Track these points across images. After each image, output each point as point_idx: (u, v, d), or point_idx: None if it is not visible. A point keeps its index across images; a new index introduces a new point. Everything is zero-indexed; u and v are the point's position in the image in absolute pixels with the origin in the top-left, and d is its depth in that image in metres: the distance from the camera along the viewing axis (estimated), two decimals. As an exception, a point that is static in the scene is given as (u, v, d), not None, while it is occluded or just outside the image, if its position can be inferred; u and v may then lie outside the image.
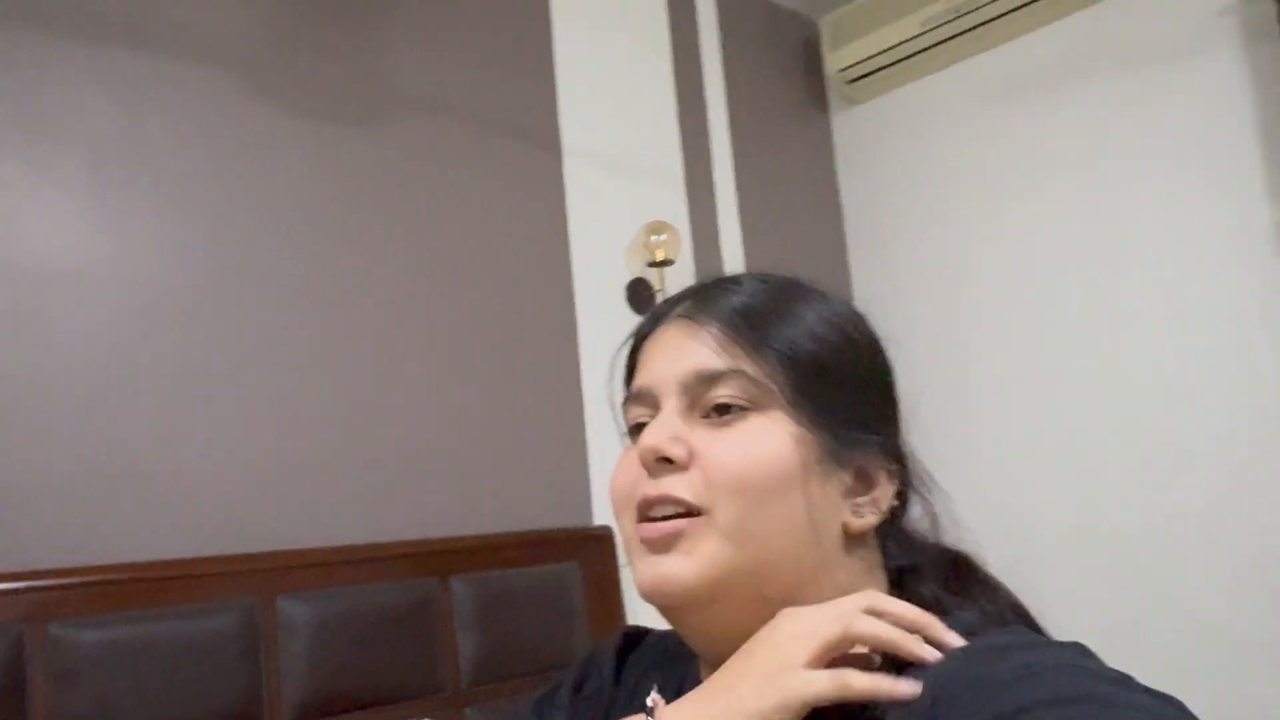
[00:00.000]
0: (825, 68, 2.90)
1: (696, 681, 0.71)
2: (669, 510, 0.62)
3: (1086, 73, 2.48)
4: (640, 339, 0.73)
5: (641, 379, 0.69)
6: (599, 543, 2.11)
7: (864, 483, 0.66)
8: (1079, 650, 0.52)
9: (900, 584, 0.67)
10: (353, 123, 1.97)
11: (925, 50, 2.73)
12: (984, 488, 2.47)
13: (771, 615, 0.61)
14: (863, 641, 0.55)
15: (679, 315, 0.69)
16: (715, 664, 0.66)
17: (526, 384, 2.13)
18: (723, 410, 0.63)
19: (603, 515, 2.17)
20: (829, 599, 0.62)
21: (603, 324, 2.28)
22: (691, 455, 0.63)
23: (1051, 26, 2.54)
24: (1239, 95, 2.25)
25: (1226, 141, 2.26)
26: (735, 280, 0.71)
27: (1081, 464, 2.41)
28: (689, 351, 0.66)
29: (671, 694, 0.72)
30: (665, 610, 0.65)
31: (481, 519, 1.99)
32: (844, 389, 0.65)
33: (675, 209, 2.50)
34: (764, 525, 0.61)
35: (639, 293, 2.35)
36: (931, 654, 0.54)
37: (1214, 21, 2.29)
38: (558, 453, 2.15)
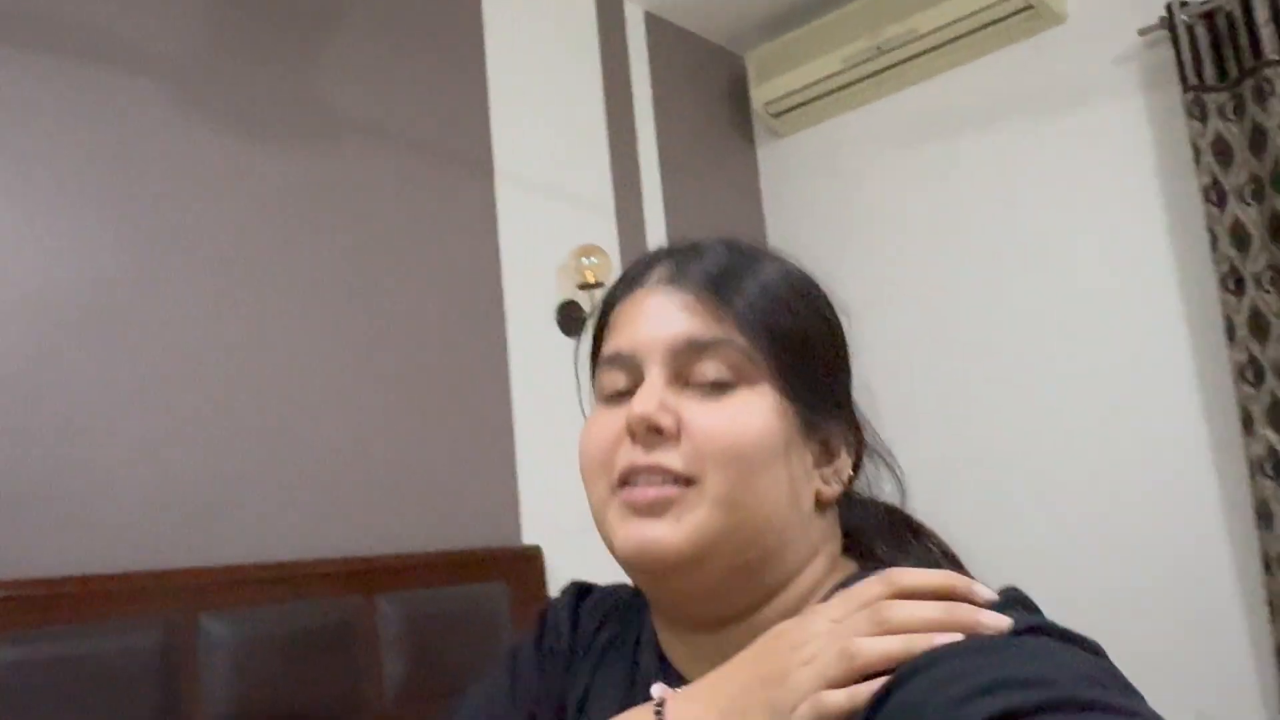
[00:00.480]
0: (751, 101, 2.98)
1: (652, 633, 0.72)
2: (657, 479, 0.63)
3: (998, 113, 2.59)
4: (613, 303, 0.72)
5: (621, 343, 0.68)
6: (528, 562, 2.11)
7: (828, 453, 0.68)
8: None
9: (852, 541, 0.71)
10: (287, 141, 1.96)
11: (847, 86, 2.82)
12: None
13: (749, 579, 0.64)
14: (872, 668, 0.50)
15: (661, 281, 0.68)
16: (679, 621, 0.69)
17: (457, 403, 2.13)
18: (714, 383, 0.64)
19: (532, 535, 2.17)
20: (800, 561, 0.66)
21: (533, 345, 2.30)
22: (679, 425, 0.63)
23: (966, 67, 2.66)
24: (1138, 137, 2.38)
25: (1127, 181, 2.38)
26: (709, 247, 0.70)
27: (992, 491, 2.49)
28: (676, 319, 0.66)
29: (630, 645, 0.73)
30: (647, 573, 0.66)
31: (409, 538, 1.98)
32: (818, 363, 0.68)
33: (605, 234, 2.53)
34: (751, 495, 0.62)
35: (569, 315, 2.38)
36: (977, 619, 0.51)
37: (1115, 68, 2.42)
38: (487, 472, 2.15)
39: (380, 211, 2.09)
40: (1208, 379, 2.25)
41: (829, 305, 0.71)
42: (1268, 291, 2.13)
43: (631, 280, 0.71)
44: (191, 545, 1.70)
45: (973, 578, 0.65)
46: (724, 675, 0.57)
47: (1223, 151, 2.19)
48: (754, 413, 0.64)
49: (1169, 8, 2.26)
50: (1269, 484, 2.08)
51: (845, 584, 0.65)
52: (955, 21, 2.56)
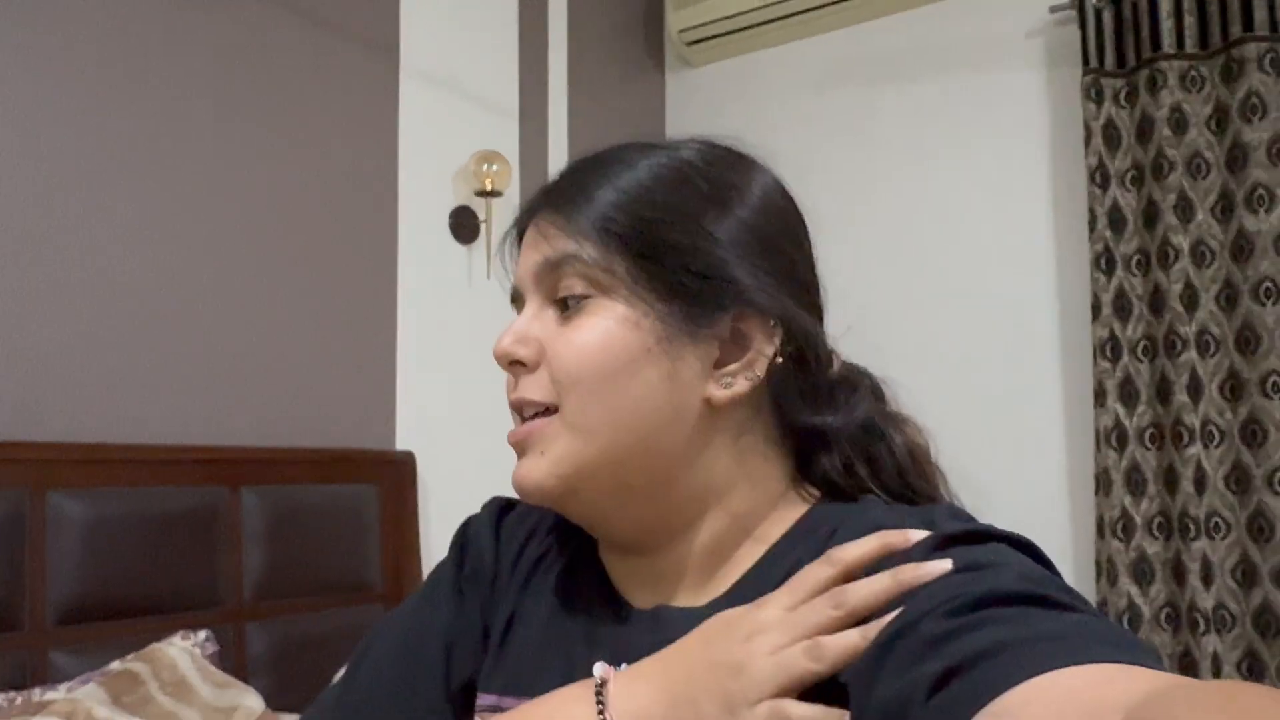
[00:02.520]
0: (666, 26, 2.94)
1: (593, 553, 0.70)
2: (530, 412, 0.62)
3: (912, 69, 2.63)
4: (518, 240, 0.69)
5: (513, 278, 0.68)
6: (399, 468, 2.08)
7: (740, 348, 0.63)
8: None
9: (807, 458, 0.66)
10: (185, 5, 1.82)
11: (766, 24, 2.81)
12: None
13: (646, 500, 0.62)
14: (839, 664, 0.50)
15: (532, 211, 0.67)
16: (608, 539, 0.68)
17: (340, 299, 2.05)
18: (564, 303, 0.62)
19: (406, 440, 2.13)
20: (711, 474, 0.63)
21: (424, 248, 2.23)
22: (541, 352, 0.62)
23: (886, 19, 2.68)
24: (1038, 110, 2.46)
25: (1022, 151, 2.47)
26: (576, 164, 0.68)
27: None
28: (538, 243, 0.64)
29: (563, 564, 0.70)
30: (538, 505, 0.65)
31: (280, 432, 1.91)
32: (696, 255, 0.61)
33: (507, 141, 2.46)
34: (607, 416, 0.60)
35: (463, 221, 2.31)
36: (919, 574, 0.51)
37: (1025, 40, 2.49)
38: (365, 372, 2.09)
39: (277, 89, 1.97)
40: (1070, 351, 2.37)
41: (730, 186, 0.65)
42: (1134, 274, 2.25)
43: (519, 217, 0.69)
44: (46, 418, 1.60)
45: (938, 470, 0.66)
46: (671, 658, 0.55)
47: (1112, 136, 2.29)
48: (594, 328, 0.61)
49: (1080, -12, 2.33)
50: (1112, 454, 2.22)
51: (806, 523, 0.63)
52: (879, -28, 2.57)
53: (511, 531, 0.74)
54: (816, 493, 0.66)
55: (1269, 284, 2.08)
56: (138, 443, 1.69)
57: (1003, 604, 0.46)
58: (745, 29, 2.85)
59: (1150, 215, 2.22)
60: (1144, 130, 2.24)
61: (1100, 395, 2.24)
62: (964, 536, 0.53)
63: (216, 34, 1.87)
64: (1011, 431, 2.41)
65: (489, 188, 2.28)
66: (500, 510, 0.75)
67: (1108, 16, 2.31)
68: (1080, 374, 2.33)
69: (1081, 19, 2.32)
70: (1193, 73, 2.21)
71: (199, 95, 1.84)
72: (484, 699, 0.67)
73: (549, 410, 0.62)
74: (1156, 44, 2.22)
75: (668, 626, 0.60)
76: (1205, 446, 2.14)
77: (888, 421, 0.67)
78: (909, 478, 0.66)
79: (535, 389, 0.62)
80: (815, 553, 0.57)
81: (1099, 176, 2.28)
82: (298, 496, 1.88)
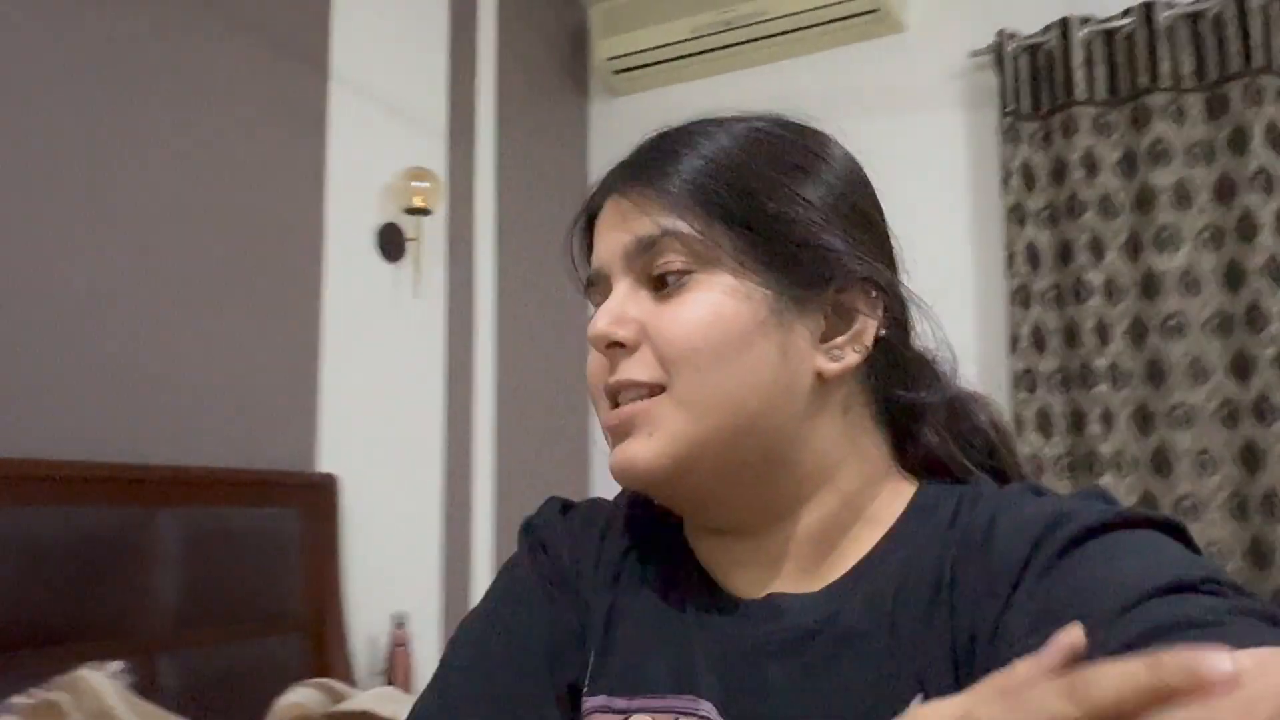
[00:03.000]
0: (592, 55, 2.94)
1: (683, 543, 0.67)
2: (633, 394, 0.60)
3: (834, 108, 2.66)
4: (590, 220, 0.68)
5: (594, 261, 0.65)
6: (321, 490, 1.99)
7: (845, 319, 0.62)
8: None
9: (905, 431, 0.65)
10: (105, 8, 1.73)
11: (691, 56, 2.83)
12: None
13: (757, 478, 0.60)
14: None
15: (610, 190, 0.65)
16: (708, 527, 0.64)
17: (263, 314, 1.96)
18: (663, 280, 0.60)
19: (329, 463, 2.04)
20: (823, 451, 0.61)
21: (350, 265, 2.16)
22: (642, 333, 0.60)
23: (809, 58, 2.74)
24: (957, 152, 2.54)
25: (942, 192, 2.54)
26: (656, 137, 0.67)
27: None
28: (628, 221, 0.62)
29: (651, 559, 0.67)
30: (643, 490, 0.63)
31: (197, 451, 1.81)
32: (792, 223, 0.60)
33: (434, 161, 2.41)
34: (720, 392, 0.58)
35: (391, 238, 2.25)
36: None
37: (945, 82, 2.57)
38: (288, 392, 2.00)
39: (201, 94, 1.89)
40: (989, 383, 2.42)
41: (815, 155, 0.64)
42: (1050, 309, 2.33)
43: (592, 199, 0.68)
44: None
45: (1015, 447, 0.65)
46: None
47: (1028, 177, 2.38)
48: (703, 303, 0.59)
49: (999, 36, 2.42)
50: (1029, 483, 2.28)
51: (920, 503, 0.61)
52: (805, 11, 2.62)
53: (583, 529, 0.70)
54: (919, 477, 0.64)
55: (1175, 320, 2.18)
56: (46, 458, 1.57)
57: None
58: (671, 60, 2.87)
59: (1065, 253, 2.31)
60: (1058, 172, 2.34)
61: (1019, 426, 2.30)
62: (1120, 522, 0.50)
63: (138, 39, 1.78)
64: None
65: (419, 205, 2.22)
66: (563, 510, 0.72)
67: (1024, 63, 2.41)
68: (998, 405, 2.39)
69: (1000, 65, 2.42)
70: (1103, 119, 2.32)
71: (119, 102, 1.75)
72: (591, 700, 0.63)
73: (653, 391, 0.59)
74: (1070, 91, 2.32)
75: (785, 615, 0.58)
76: (1117, 476, 2.22)
77: (970, 399, 0.66)
78: (998, 455, 0.65)
79: (640, 369, 0.60)
80: (937, 539, 0.56)
81: (1016, 215, 2.37)
82: (216, 519, 1.78)
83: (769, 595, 0.61)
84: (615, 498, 0.73)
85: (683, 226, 0.60)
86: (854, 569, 0.60)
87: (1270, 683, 0.34)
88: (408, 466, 2.25)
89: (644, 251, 0.61)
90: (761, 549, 0.62)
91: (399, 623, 2.02)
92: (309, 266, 2.07)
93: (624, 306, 0.61)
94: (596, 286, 0.65)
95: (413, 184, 2.22)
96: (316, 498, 1.97)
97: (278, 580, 1.86)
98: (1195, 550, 0.50)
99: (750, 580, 0.62)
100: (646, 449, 0.59)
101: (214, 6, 1.91)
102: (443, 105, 2.48)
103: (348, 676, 1.90)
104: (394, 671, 2.01)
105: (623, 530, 0.69)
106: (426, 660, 2.19)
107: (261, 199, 1.98)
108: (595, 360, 0.63)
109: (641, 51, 2.85)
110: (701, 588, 0.64)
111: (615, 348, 0.61)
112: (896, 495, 0.63)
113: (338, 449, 2.06)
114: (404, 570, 2.20)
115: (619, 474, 0.61)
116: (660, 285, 0.60)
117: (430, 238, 2.32)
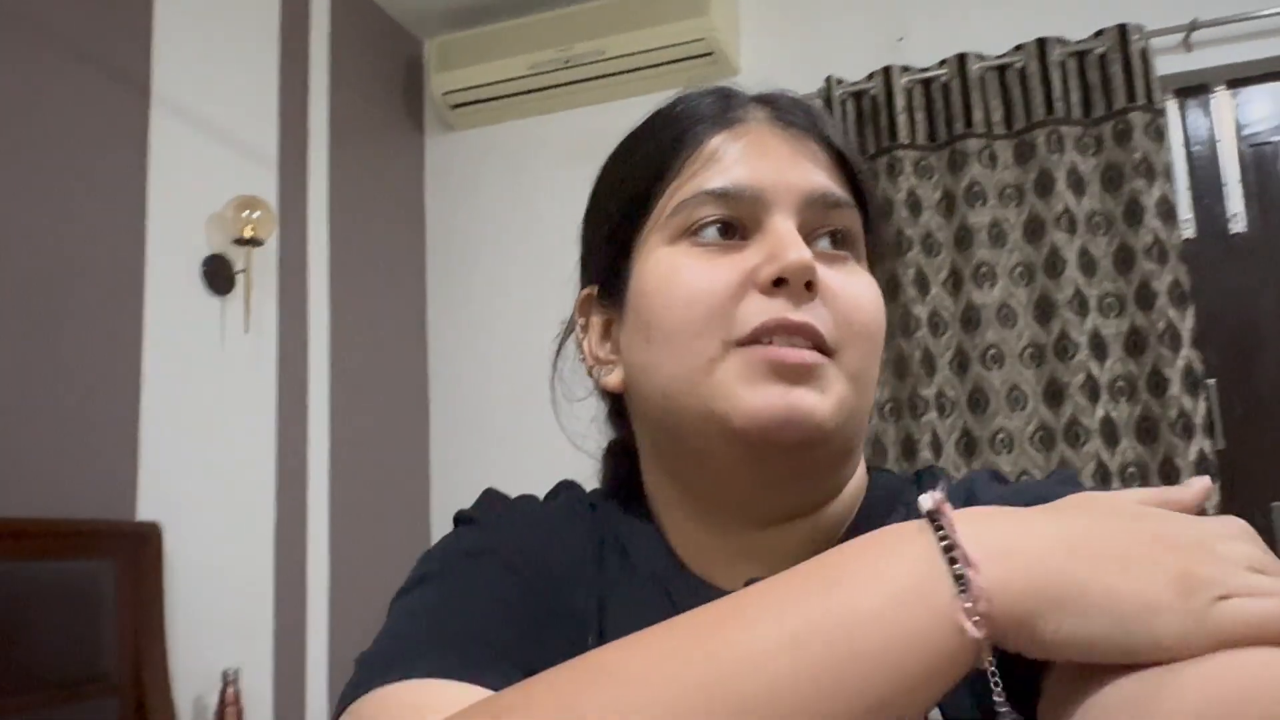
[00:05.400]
0: (429, 88, 2.90)
1: (655, 536, 0.62)
2: (801, 342, 0.54)
3: (671, 145, 2.74)
4: (696, 136, 0.61)
5: (739, 177, 0.58)
6: (142, 540, 1.83)
7: None
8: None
9: None
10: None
11: (529, 93, 2.83)
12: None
13: (844, 464, 0.59)
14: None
15: (772, 121, 0.61)
16: (735, 515, 0.59)
17: (76, 348, 1.81)
18: (839, 242, 0.59)
19: (151, 510, 1.89)
20: (860, 447, 0.62)
21: (172, 299, 2.02)
22: (819, 287, 0.56)
23: (646, 98, 2.74)
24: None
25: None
26: (792, 97, 0.65)
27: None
28: (806, 166, 0.59)
29: (614, 553, 0.62)
30: (779, 445, 0.54)
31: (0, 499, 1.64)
32: (880, 233, 0.65)
33: (265, 190, 2.30)
34: (870, 375, 0.58)
35: (218, 270, 2.13)
36: None
37: (776, 124, 2.67)
38: (104, 433, 1.85)
39: (10, 111, 1.74)
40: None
41: None
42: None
43: (720, 114, 0.62)
44: None
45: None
46: (1059, 512, 0.43)
47: (857, 215, 2.49)
48: (872, 285, 0.60)
49: (828, 81, 2.54)
50: (866, 509, 2.37)
51: (879, 489, 0.63)
52: (642, 52, 2.67)
53: (543, 520, 0.64)
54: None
55: (994, 350, 2.32)
56: None
57: None
58: (508, 96, 2.86)
59: (892, 288, 2.42)
60: (884, 211, 2.46)
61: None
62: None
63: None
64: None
65: (248, 235, 2.11)
66: (504, 503, 0.66)
67: (850, 107, 2.53)
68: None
69: (828, 108, 2.53)
70: (924, 162, 2.45)
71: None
72: None
73: (824, 349, 0.55)
74: (894, 135, 2.45)
75: None
76: (946, 499, 2.33)
77: None
78: None
79: (824, 322, 0.55)
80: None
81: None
82: (16, 575, 1.61)
83: (749, 581, 0.59)
84: (548, 495, 0.68)
85: (851, 208, 0.61)
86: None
87: None
88: (237, 512, 2.11)
89: (829, 208, 0.59)
90: (780, 540, 0.59)
91: (229, 679, 1.88)
92: (127, 299, 1.93)
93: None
94: (724, 204, 0.58)
95: (242, 213, 2.11)
96: (136, 547, 1.82)
97: (90, 639, 1.70)
98: None
99: (737, 574, 0.59)
100: (824, 403, 0.54)
101: (20, 18, 1.77)
102: (273, 132, 2.37)
103: (172, 741, 1.76)
104: (223, 732, 1.86)
105: (589, 523, 0.64)
106: (258, 717, 2.05)
107: (75, 227, 1.84)
108: (719, 281, 0.56)
109: (479, 86, 2.83)
110: (688, 582, 0.60)
111: (808, 288, 0.55)
112: (862, 479, 0.63)
113: (160, 495, 1.91)
114: (234, 622, 2.05)
115: (784, 419, 0.53)
116: (829, 250, 0.59)
117: (261, 270, 2.20)
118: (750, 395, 0.54)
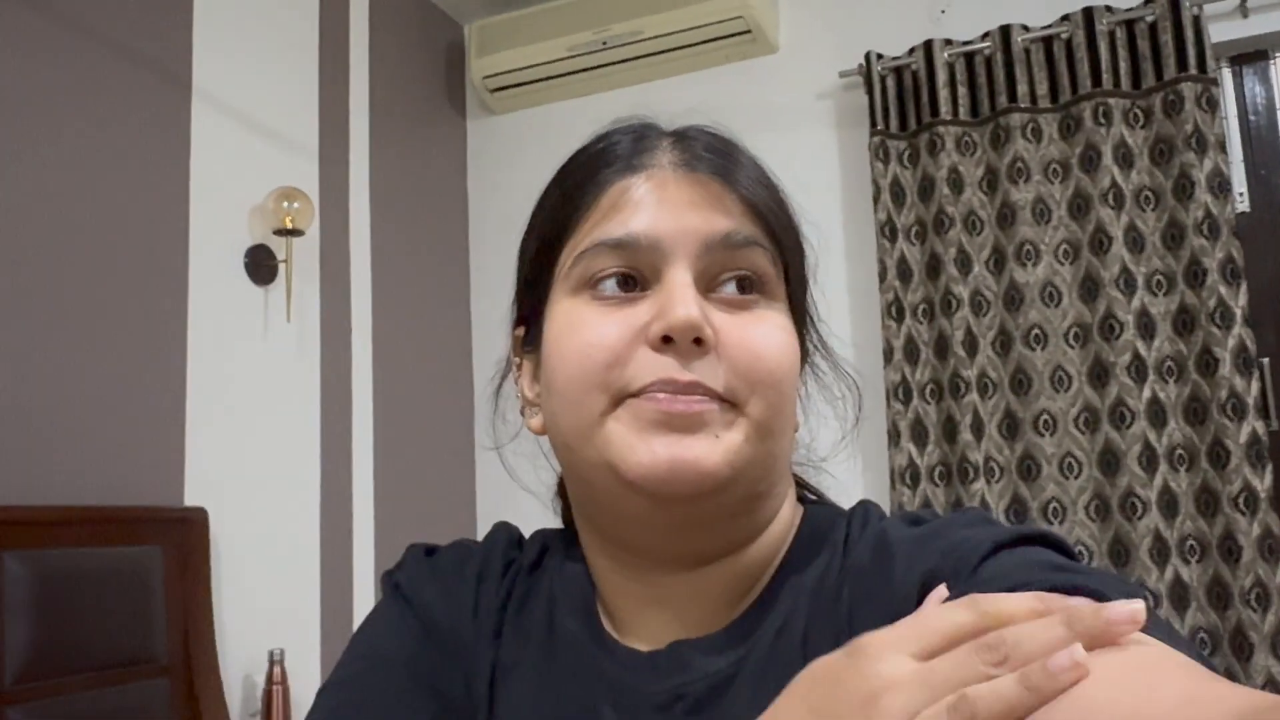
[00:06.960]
0: (469, 72, 2.91)
1: (579, 586, 0.63)
2: (694, 399, 0.54)
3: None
4: (599, 182, 0.60)
5: (636, 227, 0.57)
6: (189, 525, 1.89)
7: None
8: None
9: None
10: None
11: (568, 75, 2.83)
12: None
13: (754, 510, 0.58)
14: None
15: (675, 164, 0.59)
16: (647, 561, 0.59)
17: (124, 340, 1.87)
18: (745, 287, 0.57)
19: (198, 496, 1.95)
20: (783, 494, 0.61)
21: (217, 289, 2.07)
22: (714, 338, 0.55)
23: (683, 77, 2.77)
24: (829, 169, 2.60)
25: (814, 209, 2.58)
26: (700, 129, 0.63)
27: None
28: (706, 211, 0.57)
29: (534, 606, 0.63)
30: (669, 497, 0.54)
31: (50, 487, 1.70)
32: (804, 272, 0.64)
33: (306, 181, 2.34)
34: (779, 424, 0.57)
35: (260, 261, 2.17)
36: (1109, 624, 0.38)
37: (815, 102, 2.64)
38: (152, 422, 1.90)
39: (57, 107, 1.79)
40: (866, 395, 2.48)
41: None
42: (921, 322, 2.40)
43: (629, 157, 0.60)
44: None
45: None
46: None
47: (898, 194, 2.45)
48: (782, 330, 0.58)
49: (867, 57, 2.49)
50: (906, 491, 2.34)
51: (809, 528, 0.62)
52: (679, 31, 2.65)
53: (455, 576, 0.65)
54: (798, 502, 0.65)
55: (1037, 330, 2.28)
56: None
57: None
58: (547, 79, 2.86)
59: (934, 267, 2.39)
60: (925, 189, 2.42)
61: (894, 435, 2.36)
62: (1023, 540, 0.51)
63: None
64: (813, 473, 2.50)
65: (289, 226, 2.15)
66: (428, 557, 0.67)
67: (891, 83, 2.49)
68: (875, 416, 2.45)
69: (869, 85, 2.49)
70: (966, 138, 2.41)
71: (-41, 111, 1.64)
72: None
73: (722, 402, 0.55)
74: (935, 110, 2.41)
75: (692, 663, 0.57)
76: (988, 483, 2.29)
77: None
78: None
79: (715, 377, 0.55)
80: (835, 567, 0.56)
81: (887, 231, 2.43)
82: (70, 561, 1.68)
83: (673, 644, 0.59)
84: (485, 539, 0.69)
85: (763, 244, 0.58)
86: (758, 600, 0.59)
87: None
88: (283, 496, 2.16)
89: (728, 250, 0.57)
90: (693, 583, 0.59)
91: (276, 659, 1.94)
92: (172, 290, 1.98)
93: (699, 300, 0.56)
94: (620, 254, 0.57)
95: (283, 204, 2.15)
96: (184, 533, 1.87)
97: (142, 621, 1.76)
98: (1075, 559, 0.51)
99: (660, 622, 0.59)
100: (715, 451, 0.54)
101: (66, 19, 1.82)
102: (313, 123, 2.41)
103: (223, 719, 1.82)
104: (271, 711, 1.92)
105: (500, 575, 0.65)
106: (305, 698, 2.11)
107: (120, 221, 1.89)
108: (611, 337, 0.56)
109: (518, 70, 2.84)
110: (596, 639, 0.61)
111: (696, 345, 0.54)
112: (793, 517, 0.63)
113: (207, 481, 1.97)
114: (281, 604, 2.11)
115: (667, 472, 0.53)
116: (733, 295, 0.57)
117: (302, 260, 2.24)
118: (639, 446, 0.54)
